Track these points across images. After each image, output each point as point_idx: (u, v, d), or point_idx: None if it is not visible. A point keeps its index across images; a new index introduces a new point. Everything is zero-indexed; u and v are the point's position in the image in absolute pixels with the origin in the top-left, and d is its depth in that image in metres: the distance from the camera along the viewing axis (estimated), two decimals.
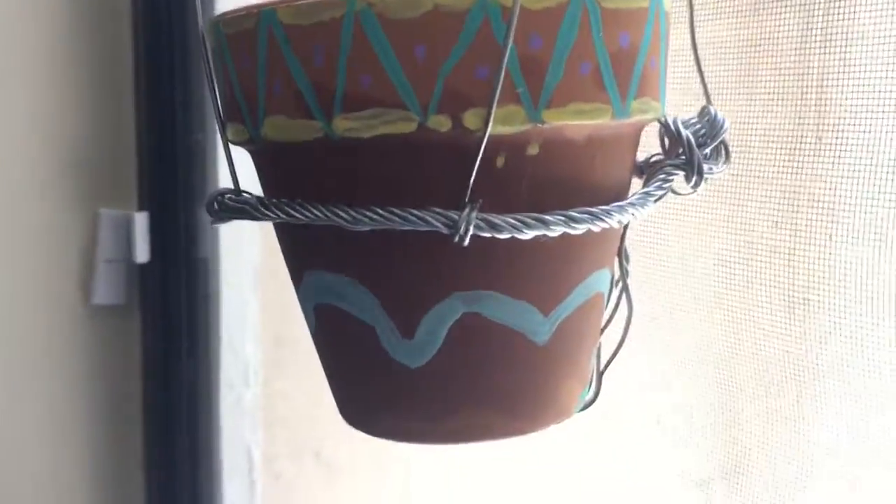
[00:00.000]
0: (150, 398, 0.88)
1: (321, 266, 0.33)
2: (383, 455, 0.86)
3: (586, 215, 0.31)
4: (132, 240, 0.86)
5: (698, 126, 0.37)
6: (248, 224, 0.87)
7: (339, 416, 0.37)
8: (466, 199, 0.30)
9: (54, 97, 0.79)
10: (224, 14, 0.32)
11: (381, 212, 0.30)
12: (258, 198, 0.34)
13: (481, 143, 0.29)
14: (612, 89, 0.31)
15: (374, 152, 0.30)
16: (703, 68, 0.40)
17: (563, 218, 0.31)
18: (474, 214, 0.30)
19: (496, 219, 0.30)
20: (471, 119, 0.29)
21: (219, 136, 0.89)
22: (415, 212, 0.30)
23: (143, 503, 0.88)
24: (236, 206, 0.34)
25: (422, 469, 0.83)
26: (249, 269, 0.89)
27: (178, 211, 0.86)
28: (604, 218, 0.32)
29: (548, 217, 0.30)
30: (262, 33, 0.30)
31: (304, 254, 0.35)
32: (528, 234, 0.30)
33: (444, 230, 0.30)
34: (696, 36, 0.40)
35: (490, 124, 0.29)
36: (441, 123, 0.29)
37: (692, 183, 0.37)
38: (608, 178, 0.33)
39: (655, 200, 0.35)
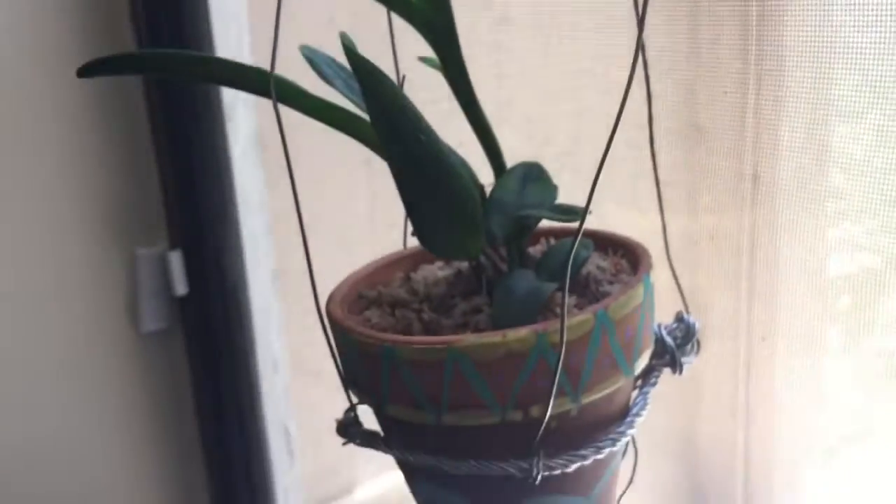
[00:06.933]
0: (201, 393, 1.04)
1: (431, 481, 0.48)
2: None
3: (609, 441, 0.46)
4: (170, 275, 0.99)
5: (676, 330, 0.52)
6: (262, 244, 1.01)
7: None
8: (535, 451, 0.44)
9: (92, 161, 0.91)
10: (354, 331, 0.45)
11: (474, 462, 0.45)
12: (384, 439, 0.48)
13: (542, 422, 0.43)
14: (624, 365, 0.45)
15: (469, 431, 0.44)
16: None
17: (593, 449, 0.46)
18: (541, 463, 0.45)
19: (553, 462, 0.45)
20: (535, 411, 0.43)
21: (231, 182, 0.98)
22: (498, 463, 0.45)
23: (206, 496, 1.05)
24: (370, 439, 0.48)
25: None
26: (270, 286, 1.03)
27: (208, 248, 0.99)
28: (620, 438, 0.47)
29: (583, 452, 0.45)
30: (385, 359, 0.43)
31: (417, 472, 0.49)
32: (571, 468, 0.45)
33: (520, 475, 0.45)
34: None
35: (549, 413, 0.43)
36: (515, 415, 0.43)
37: (675, 373, 0.51)
38: (621, 405, 0.48)
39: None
